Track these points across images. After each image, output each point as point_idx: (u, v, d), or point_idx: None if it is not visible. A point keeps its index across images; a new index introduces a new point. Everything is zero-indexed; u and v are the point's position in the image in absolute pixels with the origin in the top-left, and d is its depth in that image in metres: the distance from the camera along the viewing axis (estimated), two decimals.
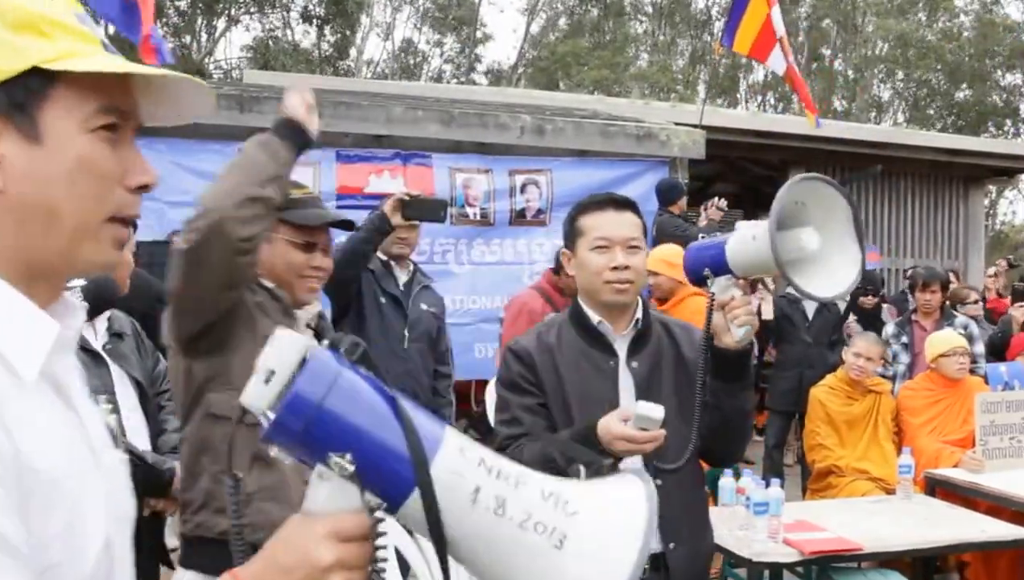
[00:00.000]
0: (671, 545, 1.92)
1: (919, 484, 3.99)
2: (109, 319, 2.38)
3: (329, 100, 5.91)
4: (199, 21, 20.35)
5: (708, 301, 1.83)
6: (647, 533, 0.73)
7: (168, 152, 5.49)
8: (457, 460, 0.77)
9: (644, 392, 1.94)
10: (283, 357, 0.77)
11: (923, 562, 3.83)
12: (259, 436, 1.65)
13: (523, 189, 5.68)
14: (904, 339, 5.39)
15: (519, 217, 5.66)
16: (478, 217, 5.58)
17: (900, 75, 25.09)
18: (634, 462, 1.87)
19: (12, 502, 0.70)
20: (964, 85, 24.32)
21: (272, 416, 0.76)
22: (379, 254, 3.57)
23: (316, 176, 5.50)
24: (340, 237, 3.50)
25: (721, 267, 1.79)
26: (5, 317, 0.76)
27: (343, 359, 0.79)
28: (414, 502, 0.75)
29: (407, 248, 3.63)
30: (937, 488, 3.98)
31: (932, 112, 24.68)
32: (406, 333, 3.50)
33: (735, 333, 1.80)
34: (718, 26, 23.73)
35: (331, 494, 0.77)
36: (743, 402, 1.94)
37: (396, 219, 3.29)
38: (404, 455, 0.75)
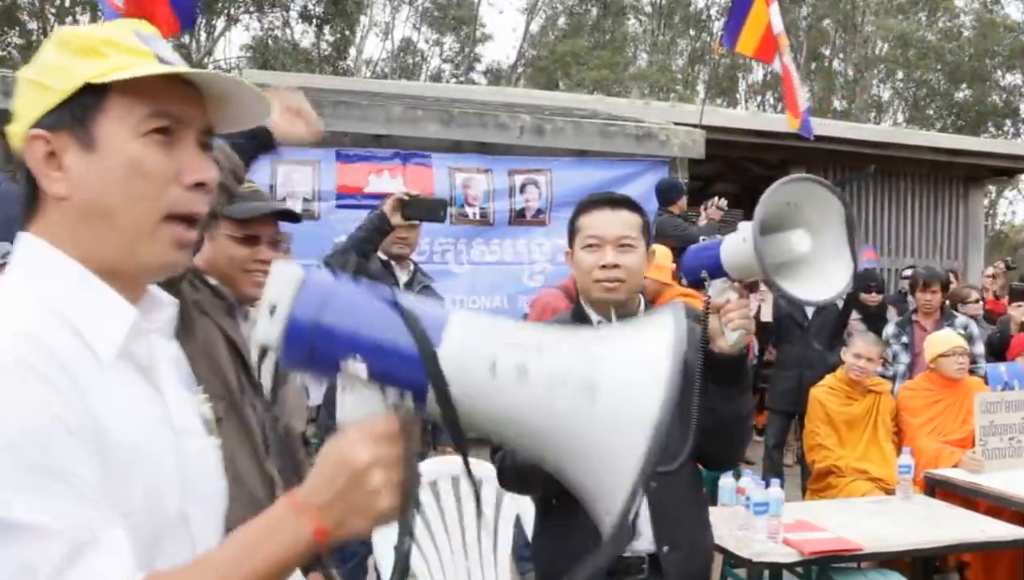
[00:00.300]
0: (664, 548, 1.90)
1: (919, 484, 3.98)
2: None
3: (328, 99, 5.91)
4: (198, 20, 20.32)
5: (704, 304, 1.81)
6: (673, 360, 0.72)
7: None
8: (466, 340, 0.79)
9: None
10: (280, 289, 0.82)
11: (923, 562, 3.83)
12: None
13: (523, 189, 5.68)
14: (904, 339, 5.39)
15: (519, 217, 5.66)
16: (477, 217, 5.58)
17: (900, 75, 25.09)
18: None
19: (94, 462, 0.77)
20: (964, 85, 24.31)
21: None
22: (379, 254, 3.57)
23: (316, 176, 5.50)
24: (340, 237, 3.51)
25: (717, 269, 1.78)
26: (87, 304, 0.85)
27: (339, 275, 0.84)
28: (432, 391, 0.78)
29: (407, 248, 3.63)
30: (937, 488, 3.98)
31: (932, 112, 24.68)
32: None
33: (729, 337, 1.78)
34: (717, 25, 23.73)
35: (355, 402, 0.81)
36: (739, 407, 1.91)
37: (396, 219, 3.29)
38: (412, 349, 0.78)
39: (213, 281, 2.03)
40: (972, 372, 4.73)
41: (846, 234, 1.68)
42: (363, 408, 0.81)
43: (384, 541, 2.04)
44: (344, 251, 3.32)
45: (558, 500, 1.96)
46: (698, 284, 1.84)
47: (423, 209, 3.36)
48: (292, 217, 2.17)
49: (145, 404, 0.88)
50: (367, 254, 3.36)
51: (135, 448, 0.82)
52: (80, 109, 0.86)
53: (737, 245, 1.72)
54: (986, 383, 4.64)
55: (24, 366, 0.76)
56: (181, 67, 0.88)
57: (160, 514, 0.84)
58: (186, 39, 20.31)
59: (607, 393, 0.73)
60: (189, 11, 5.28)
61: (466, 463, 0.86)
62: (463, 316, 0.81)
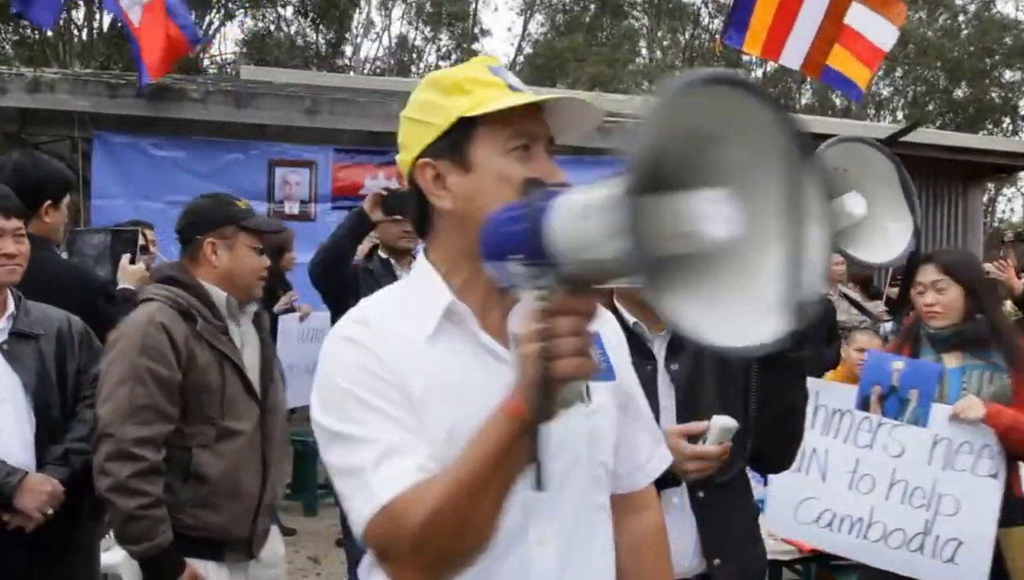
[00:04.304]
0: (716, 561, 1.78)
1: None
2: (15, 319, 2.21)
3: (327, 97, 5.89)
4: (192, 17, 20.30)
5: None
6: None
7: (163, 151, 5.47)
8: (568, 199, 0.89)
9: (686, 395, 1.81)
10: None
11: None
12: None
13: None
14: None
15: None
16: None
17: (899, 72, 25.08)
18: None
19: (404, 403, 1.06)
20: (963, 83, 24.30)
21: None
22: (380, 253, 3.55)
23: (312, 179, 5.50)
24: (323, 237, 3.50)
25: None
26: (420, 295, 1.14)
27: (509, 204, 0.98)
28: (551, 248, 0.87)
29: (414, 242, 3.63)
30: None
31: (931, 109, 24.67)
32: None
33: None
34: (716, 23, 23.72)
35: (526, 293, 0.92)
36: (794, 398, 1.79)
37: (376, 215, 3.29)
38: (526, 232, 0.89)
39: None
40: None
41: (902, 193, 1.59)
42: (528, 296, 0.91)
43: None
44: (328, 250, 3.32)
45: None
46: None
47: (405, 203, 3.34)
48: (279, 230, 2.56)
49: (467, 368, 1.09)
50: (346, 252, 3.34)
51: (435, 399, 1.06)
52: (457, 138, 1.09)
53: None
54: None
55: (349, 339, 1.09)
56: (538, 96, 1.09)
57: None
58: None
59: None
60: (193, 31, 5.48)
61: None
62: (576, 189, 0.91)
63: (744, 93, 0.78)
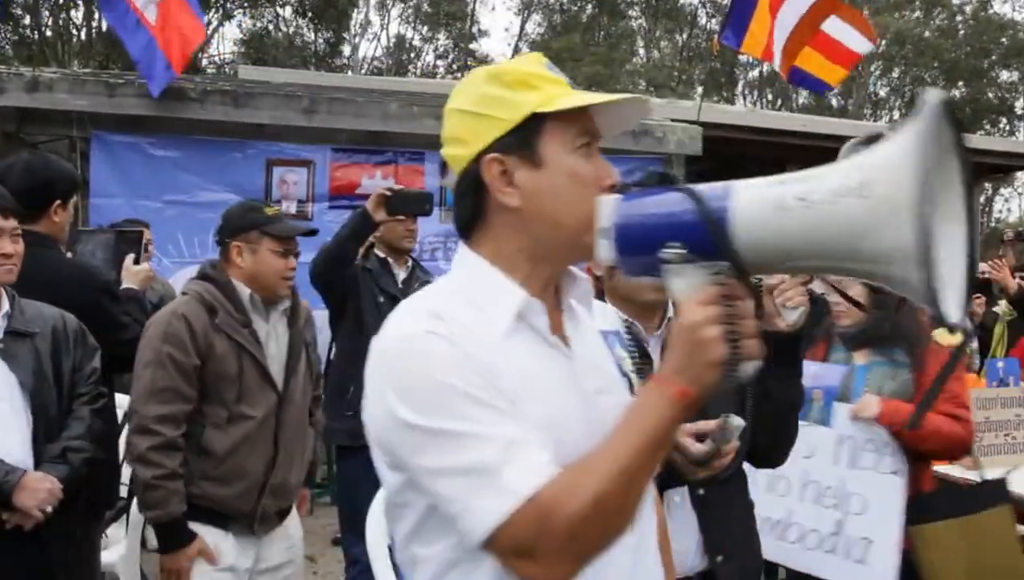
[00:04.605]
0: (719, 559, 1.79)
1: None
2: (10, 318, 2.21)
3: (324, 96, 5.89)
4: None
5: (755, 285, 1.72)
6: (918, 141, 0.80)
7: (161, 150, 5.46)
8: (749, 192, 0.92)
9: None
10: (604, 215, 1.03)
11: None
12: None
13: None
14: None
15: None
16: None
17: (896, 72, 25.11)
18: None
19: (500, 395, 1.03)
20: (960, 83, 24.34)
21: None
22: (377, 252, 3.56)
23: (310, 178, 5.50)
24: (325, 237, 3.51)
25: None
26: (487, 289, 1.10)
27: (635, 192, 1.04)
28: (731, 241, 0.91)
29: (415, 241, 3.65)
30: None
31: None
32: None
33: (788, 316, 1.67)
34: (713, 23, 23.73)
35: (683, 281, 0.95)
36: (794, 393, 1.82)
37: (380, 215, 3.30)
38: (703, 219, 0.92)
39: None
40: (967, 368, 4.73)
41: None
42: (690, 281, 0.95)
43: (376, 548, 2.02)
44: (330, 250, 3.33)
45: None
46: None
47: (408, 203, 3.36)
48: (312, 233, 2.70)
49: (542, 364, 1.09)
50: (348, 252, 3.34)
51: (525, 394, 1.03)
52: (525, 134, 1.07)
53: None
54: (979, 377, 4.64)
55: (432, 334, 1.02)
56: (613, 95, 1.09)
57: (560, 447, 1.01)
58: None
59: (874, 184, 0.83)
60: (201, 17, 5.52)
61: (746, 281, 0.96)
62: (745, 183, 0.94)
63: (942, 114, 0.89)
